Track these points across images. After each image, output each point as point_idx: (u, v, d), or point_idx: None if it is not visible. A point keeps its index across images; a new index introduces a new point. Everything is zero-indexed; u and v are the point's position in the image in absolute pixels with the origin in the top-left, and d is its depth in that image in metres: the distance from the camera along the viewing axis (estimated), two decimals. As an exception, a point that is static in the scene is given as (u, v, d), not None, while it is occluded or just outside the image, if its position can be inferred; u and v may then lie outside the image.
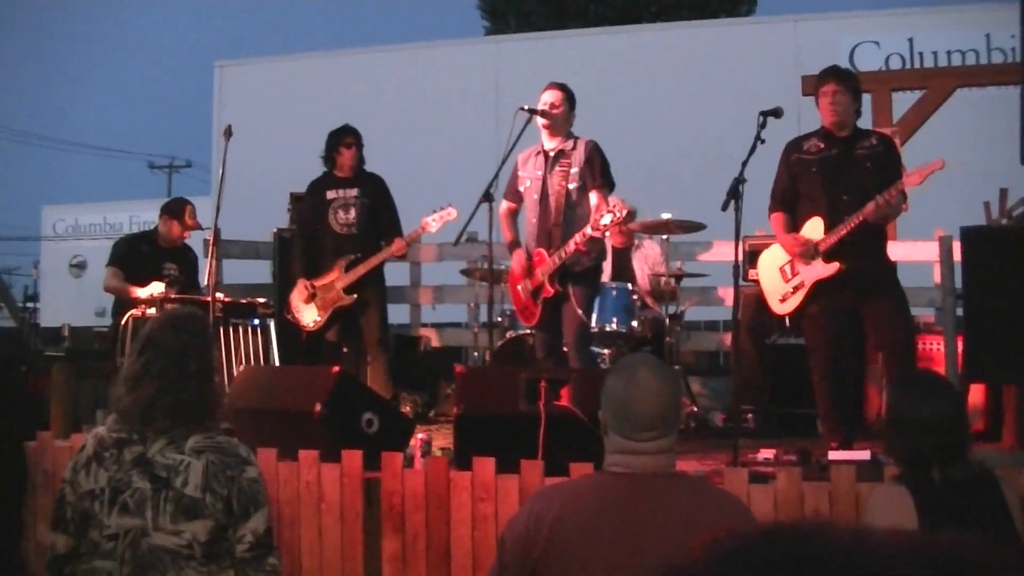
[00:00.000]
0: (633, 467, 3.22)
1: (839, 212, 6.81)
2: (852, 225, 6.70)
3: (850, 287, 6.85)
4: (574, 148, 7.63)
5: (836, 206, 6.84)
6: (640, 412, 3.22)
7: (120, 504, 3.51)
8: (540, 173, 7.65)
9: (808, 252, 6.90)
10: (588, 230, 7.17)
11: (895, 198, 6.63)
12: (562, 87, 7.72)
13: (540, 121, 7.60)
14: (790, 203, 7.14)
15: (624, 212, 7.09)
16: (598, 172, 7.58)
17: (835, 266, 6.80)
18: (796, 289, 7.01)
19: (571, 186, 7.56)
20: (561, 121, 7.63)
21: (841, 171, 6.91)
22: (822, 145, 7.03)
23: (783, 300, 7.12)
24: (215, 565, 3.54)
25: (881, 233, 6.92)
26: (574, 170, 7.57)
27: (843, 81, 7.05)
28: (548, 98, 7.64)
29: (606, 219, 7.08)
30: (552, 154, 7.64)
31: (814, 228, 6.92)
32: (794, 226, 7.08)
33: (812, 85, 7.25)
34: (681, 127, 16.78)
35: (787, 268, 7.09)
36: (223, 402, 3.79)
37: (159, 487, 3.50)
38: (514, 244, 7.80)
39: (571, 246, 7.29)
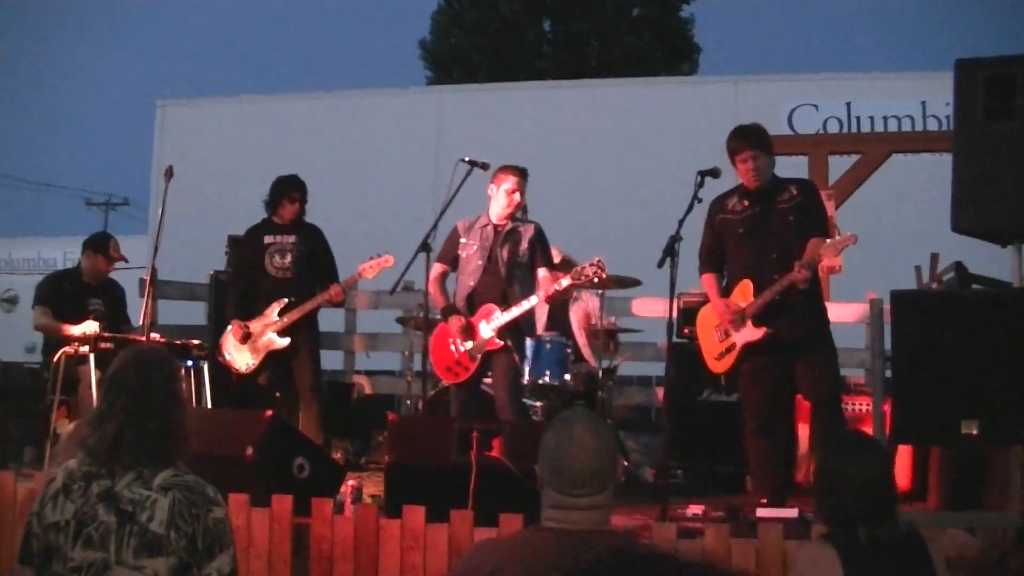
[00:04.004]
0: (567, 523, 3.24)
1: (766, 272, 6.88)
2: (778, 289, 6.78)
3: (781, 348, 6.92)
4: (524, 229, 7.88)
5: (763, 266, 6.92)
6: (575, 468, 3.24)
7: (84, 537, 3.50)
8: (488, 244, 7.80)
9: (737, 321, 6.98)
10: (564, 282, 7.51)
11: (816, 261, 6.74)
12: (522, 174, 7.87)
13: (502, 210, 7.81)
14: (718, 263, 7.22)
15: (603, 272, 7.41)
16: (544, 253, 7.94)
17: (762, 331, 6.86)
18: (728, 350, 7.07)
19: (521, 261, 7.80)
20: (522, 204, 7.90)
21: (766, 229, 6.98)
22: (745, 203, 7.08)
23: (718, 358, 7.18)
24: None
25: (812, 290, 6.96)
26: (523, 247, 7.82)
27: (756, 145, 7.02)
28: (511, 187, 7.79)
29: (589, 270, 7.40)
30: (502, 230, 7.83)
31: (744, 292, 6.98)
32: (724, 285, 7.16)
33: (726, 147, 7.23)
34: (620, 183, 16.91)
35: (720, 329, 7.14)
36: (188, 438, 3.78)
37: (124, 521, 3.49)
38: (451, 309, 7.81)
39: (537, 297, 7.60)
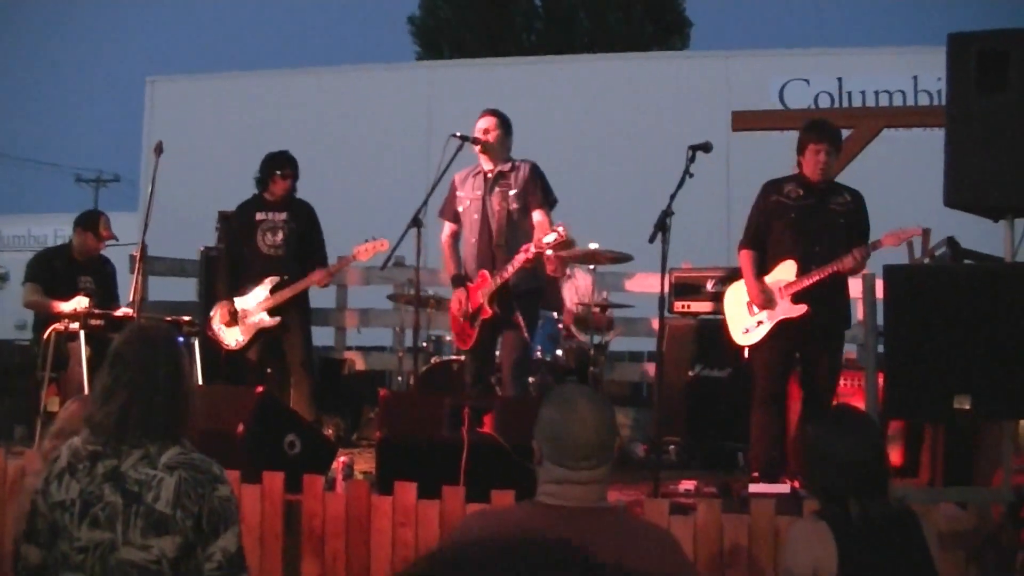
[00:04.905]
0: (566, 498, 3.23)
1: (810, 261, 7.03)
2: (825, 274, 6.94)
3: (806, 329, 7.01)
4: (513, 170, 7.66)
5: (808, 255, 7.06)
6: (579, 441, 3.24)
7: (91, 517, 3.49)
8: (479, 193, 7.65)
9: (768, 303, 7.09)
10: (532, 248, 7.17)
11: (868, 256, 6.92)
12: (496, 113, 7.74)
13: (476, 147, 7.63)
14: (760, 243, 7.30)
15: (567, 233, 7.13)
16: (540, 191, 7.64)
17: (802, 308, 6.98)
18: (760, 324, 7.15)
19: (512, 207, 7.58)
20: (495, 147, 7.63)
21: (817, 222, 7.14)
22: (801, 192, 7.20)
23: (746, 332, 7.24)
24: None
25: (842, 281, 7.16)
26: (514, 192, 7.60)
27: (833, 142, 7.23)
28: (482, 124, 7.66)
29: (549, 238, 7.07)
30: (491, 176, 7.66)
31: (787, 270, 7.09)
32: (762, 264, 7.24)
33: (800, 135, 7.36)
34: (611, 158, 16.88)
35: (753, 304, 7.21)
36: (195, 413, 3.76)
37: (130, 501, 3.48)
38: (457, 280, 7.73)
39: (513, 266, 7.28)
